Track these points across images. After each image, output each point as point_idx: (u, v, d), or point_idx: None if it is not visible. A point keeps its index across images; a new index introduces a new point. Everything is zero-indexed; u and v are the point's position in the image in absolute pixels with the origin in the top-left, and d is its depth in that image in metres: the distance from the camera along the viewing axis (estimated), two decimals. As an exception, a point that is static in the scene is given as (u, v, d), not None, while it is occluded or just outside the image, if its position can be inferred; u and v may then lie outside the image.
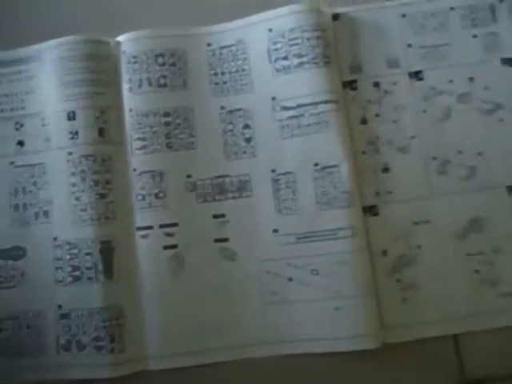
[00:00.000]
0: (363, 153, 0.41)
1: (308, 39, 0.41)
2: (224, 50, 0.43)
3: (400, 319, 0.39)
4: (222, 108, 0.42)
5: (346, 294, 0.39)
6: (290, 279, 0.40)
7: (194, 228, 0.41)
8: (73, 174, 0.40)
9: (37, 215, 0.41)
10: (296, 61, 0.41)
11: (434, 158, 0.41)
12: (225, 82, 0.42)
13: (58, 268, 0.40)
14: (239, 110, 0.42)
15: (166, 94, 0.42)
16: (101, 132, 0.41)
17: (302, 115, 0.41)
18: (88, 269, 0.40)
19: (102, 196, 0.40)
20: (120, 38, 0.43)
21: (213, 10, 0.44)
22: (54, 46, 0.43)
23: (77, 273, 0.40)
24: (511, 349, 0.39)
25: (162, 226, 0.40)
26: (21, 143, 0.42)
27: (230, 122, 0.42)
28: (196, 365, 0.40)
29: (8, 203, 0.42)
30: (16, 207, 0.41)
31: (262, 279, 0.40)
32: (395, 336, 0.39)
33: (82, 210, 0.40)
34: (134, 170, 0.41)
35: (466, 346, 0.40)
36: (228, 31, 0.43)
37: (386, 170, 0.41)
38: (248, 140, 0.42)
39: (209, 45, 0.43)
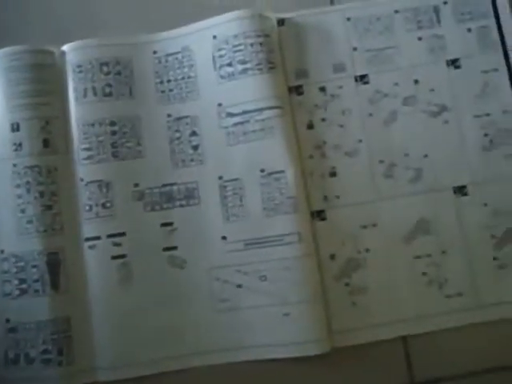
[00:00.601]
0: (310, 157, 0.41)
1: (251, 45, 0.40)
2: (170, 58, 0.42)
3: (349, 323, 0.39)
4: (169, 116, 0.41)
5: (294, 300, 0.38)
6: (240, 286, 0.39)
7: (142, 237, 0.40)
8: (18, 185, 0.39)
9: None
10: (240, 67, 0.40)
11: (381, 162, 0.40)
12: (171, 90, 0.42)
13: (5, 281, 0.39)
14: (186, 117, 0.41)
15: (111, 103, 0.41)
16: (46, 143, 0.40)
17: (248, 121, 0.40)
18: (35, 281, 0.39)
19: (48, 207, 0.39)
20: (65, 48, 0.42)
21: (159, 18, 0.43)
22: None
23: (24, 286, 0.39)
24: (458, 349, 0.39)
25: (109, 236, 0.40)
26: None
27: (177, 130, 0.41)
28: (147, 375, 0.39)
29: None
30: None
31: (211, 287, 0.40)
32: (344, 340, 0.39)
33: (28, 222, 0.39)
34: (81, 180, 0.40)
35: (414, 348, 0.39)
36: (173, 38, 0.42)
37: (333, 174, 0.41)
38: (195, 147, 0.41)
39: (155, 52, 0.42)
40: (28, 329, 0.38)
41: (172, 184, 0.41)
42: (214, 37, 0.41)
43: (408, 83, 0.41)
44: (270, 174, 0.39)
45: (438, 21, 0.42)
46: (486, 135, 0.41)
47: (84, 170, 0.40)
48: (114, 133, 0.41)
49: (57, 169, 0.40)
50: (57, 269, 0.39)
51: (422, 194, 0.40)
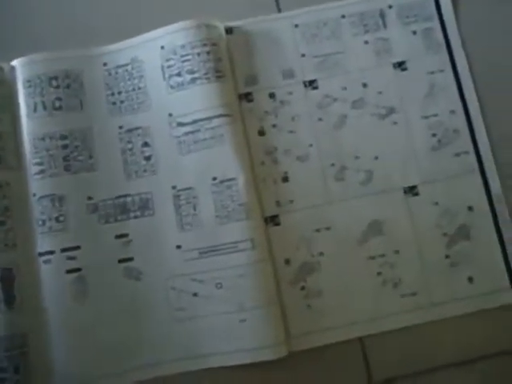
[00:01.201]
0: (262, 164, 0.41)
1: (198, 54, 0.40)
2: (120, 70, 0.42)
3: (305, 327, 0.39)
4: (121, 127, 0.41)
5: (250, 306, 0.38)
6: (196, 294, 0.39)
7: (96, 250, 0.39)
8: None
9: None
10: (189, 77, 0.40)
11: (332, 165, 0.40)
12: (122, 102, 0.41)
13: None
14: (137, 128, 0.41)
15: (61, 117, 0.40)
16: None
17: (198, 130, 0.39)
18: (-11, 298, 0.40)
19: (1, 223, 0.39)
20: (14, 63, 0.41)
21: (107, 30, 0.43)
22: None
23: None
24: (414, 347, 0.39)
25: (63, 250, 0.39)
26: None
27: (129, 141, 0.41)
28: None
29: None
30: None
31: (168, 296, 0.39)
32: (301, 344, 0.38)
33: None
34: (34, 194, 0.39)
35: (371, 348, 0.39)
36: (122, 50, 0.42)
37: (285, 179, 0.40)
38: (148, 158, 0.41)
39: (105, 64, 0.42)
40: (-17, 347, 0.39)
41: (126, 195, 0.40)
42: (162, 47, 0.41)
43: (356, 87, 0.41)
44: (222, 181, 0.39)
45: (384, 24, 0.42)
46: (434, 135, 0.41)
47: (36, 185, 0.39)
48: (65, 146, 0.40)
49: (9, 184, 0.39)
50: (11, 285, 0.38)
51: (373, 196, 0.40)
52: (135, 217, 0.40)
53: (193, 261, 0.39)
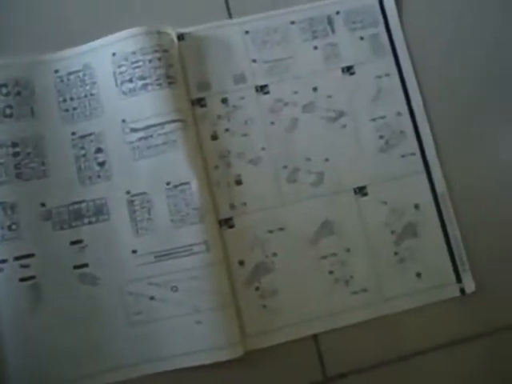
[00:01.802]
0: (216, 167, 0.41)
1: (150, 61, 0.40)
2: (72, 76, 0.41)
3: (261, 326, 0.39)
4: (73, 134, 0.40)
5: (205, 308, 0.38)
6: (152, 298, 0.39)
7: (51, 257, 0.39)
8: None
9: None
10: (140, 83, 0.40)
11: (285, 167, 0.41)
12: (74, 108, 0.41)
13: None
14: (90, 134, 0.40)
15: (12, 125, 0.40)
16: None
17: (151, 136, 0.39)
18: None
19: None
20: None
21: (59, 36, 0.42)
22: None
23: None
24: (367, 342, 0.40)
25: (16, 259, 0.38)
26: None
27: (83, 147, 0.40)
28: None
29: None
30: None
31: (125, 301, 0.39)
32: (257, 343, 0.39)
33: None
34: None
35: (325, 345, 0.40)
36: (74, 56, 0.41)
37: (239, 182, 0.41)
38: (101, 164, 0.40)
39: (56, 71, 0.41)
40: None
41: (80, 202, 0.40)
42: (114, 54, 0.40)
43: (307, 91, 0.42)
44: (176, 186, 0.39)
45: (332, 30, 0.43)
46: (381, 137, 0.42)
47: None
48: (16, 154, 0.39)
49: None
50: (-38, 296, 0.39)
51: (324, 197, 0.41)
52: (90, 222, 0.40)
53: (148, 265, 0.39)
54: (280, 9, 0.43)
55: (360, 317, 0.39)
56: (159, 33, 0.41)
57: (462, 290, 0.40)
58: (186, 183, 0.39)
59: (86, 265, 0.39)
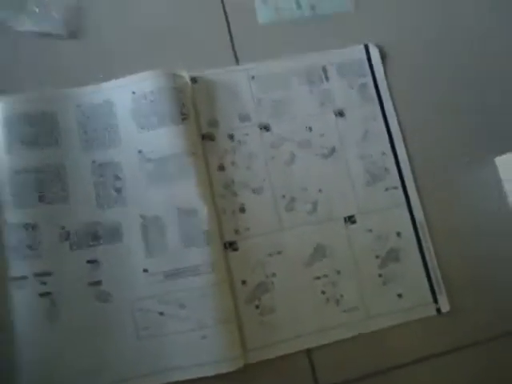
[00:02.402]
0: (222, 196, 0.45)
1: (166, 100, 0.44)
2: (93, 110, 0.45)
3: (260, 341, 0.43)
4: (93, 162, 0.44)
5: (210, 324, 0.41)
6: (162, 313, 0.42)
7: (67, 275, 0.42)
8: None
9: None
10: (156, 119, 0.44)
11: (283, 197, 0.45)
12: (95, 139, 0.44)
13: None
14: (109, 163, 0.44)
15: (37, 152, 0.43)
16: None
17: (165, 166, 0.43)
18: (-39, 323, 0.40)
19: None
20: (-7, 102, 0.45)
21: (82, 73, 0.46)
22: None
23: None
24: (354, 356, 0.44)
25: (36, 275, 0.41)
26: None
27: (101, 175, 0.44)
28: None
29: None
30: None
31: (135, 317, 0.42)
32: (256, 356, 0.42)
33: None
34: (8, 222, 0.41)
35: (318, 358, 0.44)
36: (96, 92, 0.45)
37: (242, 209, 0.45)
38: (118, 190, 0.44)
39: (78, 106, 0.45)
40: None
41: (97, 224, 0.43)
42: (133, 92, 0.45)
43: (303, 130, 0.47)
44: (186, 211, 0.43)
45: (326, 78, 0.49)
46: (368, 173, 0.47)
47: (11, 214, 0.41)
48: (40, 179, 0.43)
49: None
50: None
51: (318, 224, 0.45)
52: (105, 243, 0.43)
53: (158, 283, 0.42)
54: (281, 58, 0.49)
55: (349, 332, 0.44)
56: (175, 75, 0.45)
57: (438, 310, 0.45)
58: (195, 209, 0.43)
59: (99, 282, 0.42)
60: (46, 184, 0.43)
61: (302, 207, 0.46)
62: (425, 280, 0.45)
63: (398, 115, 0.48)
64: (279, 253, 0.44)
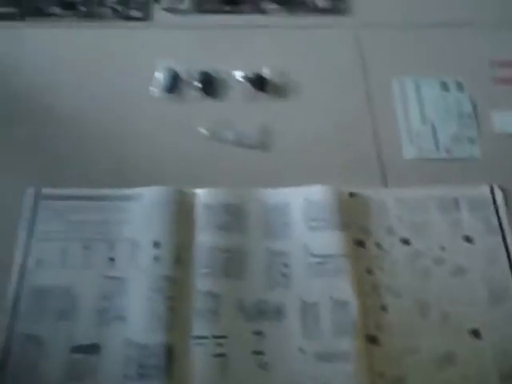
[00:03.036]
0: (368, 295, 0.53)
1: (331, 209, 0.55)
2: (273, 207, 0.56)
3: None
4: (268, 249, 0.54)
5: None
6: (310, 390, 0.49)
7: (238, 341, 0.49)
8: (152, 289, 0.49)
9: (114, 318, 0.49)
10: (322, 223, 0.54)
11: (418, 302, 0.52)
12: (272, 230, 0.55)
13: (127, 365, 0.47)
14: (280, 252, 0.54)
15: (227, 236, 0.54)
16: (177, 259, 0.51)
17: (326, 262, 0.53)
18: (152, 367, 0.47)
19: (171, 309, 0.49)
20: (197, 191, 0.56)
21: (267, 177, 0.58)
22: (150, 191, 0.55)
23: (143, 371, 0.47)
24: None
25: (214, 337, 0.49)
26: (112, 259, 0.53)
27: (273, 261, 0.53)
28: None
29: (94, 306, 0.50)
30: (99, 310, 0.50)
31: (288, 387, 0.50)
32: None
33: (153, 317, 0.48)
34: (198, 290, 0.50)
35: None
36: (277, 194, 0.57)
37: (385, 309, 0.52)
38: (285, 275, 0.53)
39: (262, 202, 0.56)
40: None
41: (265, 301, 0.52)
42: (306, 199, 0.56)
43: (437, 248, 0.56)
44: (339, 302, 0.51)
45: (458, 208, 0.58)
46: (491, 293, 0.53)
47: (201, 282, 0.51)
48: (226, 257, 0.53)
49: (175, 282, 0.50)
50: (171, 359, 0.47)
51: (447, 333, 0.51)
52: (270, 319, 0.51)
53: (311, 363, 0.49)
54: (421, 186, 0.59)
55: None
56: (338, 191, 0.56)
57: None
58: (348, 301, 0.51)
59: (262, 352, 0.49)
60: (231, 262, 0.53)
61: (434, 316, 0.52)
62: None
63: (518, 247, 0.58)
64: (414, 352, 0.50)
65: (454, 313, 0.52)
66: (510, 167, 0.62)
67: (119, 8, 0.67)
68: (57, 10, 0.66)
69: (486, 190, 0.59)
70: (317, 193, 0.56)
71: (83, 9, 0.66)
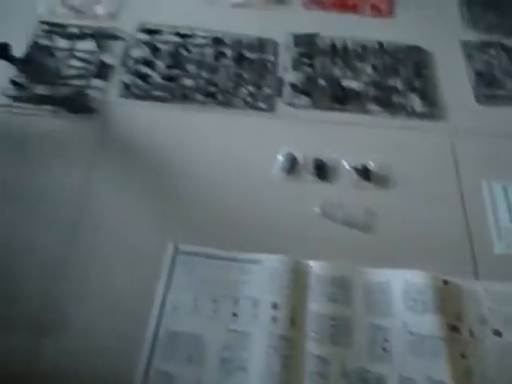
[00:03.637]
0: (461, 379, 0.56)
1: (428, 294, 0.60)
2: (376, 286, 0.63)
3: None
4: (371, 323, 0.60)
5: None
6: None
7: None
8: (269, 346, 0.56)
9: (236, 368, 0.56)
10: (420, 305, 0.60)
11: (510, 394, 0.57)
12: (375, 306, 0.61)
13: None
14: (382, 327, 0.60)
15: (334, 306, 0.60)
16: (292, 322, 0.58)
17: (423, 342, 0.58)
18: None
19: (285, 366, 0.55)
20: (311, 262, 0.64)
21: (371, 257, 0.65)
22: (271, 258, 0.63)
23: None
24: None
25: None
26: (235, 314, 0.60)
27: (375, 334, 0.59)
28: None
29: (219, 355, 0.57)
30: (223, 359, 0.57)
31: None
32: None
33: (269, 373, 0.54)
34: (309, 352, 0.56)
35: None
36: (379, 274, 0.64)
37: (476, 392, 0.58)
38: (385, 349, 0.59)
39: (367, 279, 0.63)
40: None
41: (367, 372, 0.57)
42: (406, 280, 0.63)
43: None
44: (435, 382, 0.55)
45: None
46: None
47: (312, 346, 0.57)
48: (333, 325, 0.59)
49: (293, 339, 0.57)
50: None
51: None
52: (372, 386, 0.58)
53: None
54: (510, 282, 0.64)
55: None
56: (434, 278, 0.62)
57: None
58: (444, 382, 0.55)
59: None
60: (337, 330, 0.59)
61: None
62: None
63: None
64: None
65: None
66: None
67: (249, 99, 0.80)
68: (200, 97, 0.81)
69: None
70: (416, 276, 0.63)
71: (221, 98, 0.80)
